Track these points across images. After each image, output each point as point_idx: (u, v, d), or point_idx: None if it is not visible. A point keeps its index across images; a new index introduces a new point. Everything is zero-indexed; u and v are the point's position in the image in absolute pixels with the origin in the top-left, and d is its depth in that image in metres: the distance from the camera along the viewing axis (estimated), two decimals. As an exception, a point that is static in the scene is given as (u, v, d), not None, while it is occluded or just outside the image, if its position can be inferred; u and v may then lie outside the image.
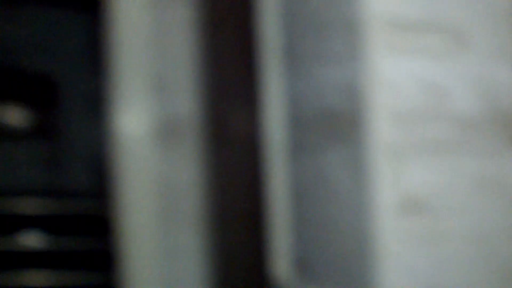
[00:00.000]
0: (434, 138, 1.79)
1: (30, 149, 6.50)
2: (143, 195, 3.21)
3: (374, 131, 1.73)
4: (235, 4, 2.58)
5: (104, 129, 5.85)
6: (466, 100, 1.81)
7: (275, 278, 2.32)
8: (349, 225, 1.85)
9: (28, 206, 4.85)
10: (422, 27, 1.79)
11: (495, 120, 1.84)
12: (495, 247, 1.82)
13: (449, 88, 1.81)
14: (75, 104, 6.69)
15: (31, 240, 4.57)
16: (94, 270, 4.52)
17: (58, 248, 4.56)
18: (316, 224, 2.06)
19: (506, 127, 1.85)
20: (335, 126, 1.89)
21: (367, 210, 1.76)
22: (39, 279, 4.52)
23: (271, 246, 2.38)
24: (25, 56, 6.51)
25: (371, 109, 1.73)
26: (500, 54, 1.85)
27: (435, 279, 1.78)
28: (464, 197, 1.81)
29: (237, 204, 2.67)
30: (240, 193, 2.64)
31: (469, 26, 1.83)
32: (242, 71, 2.56)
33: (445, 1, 1.81)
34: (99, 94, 6.27)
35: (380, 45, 1.73)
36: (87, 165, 6.69)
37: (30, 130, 5.99)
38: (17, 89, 6.00)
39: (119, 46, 3.18)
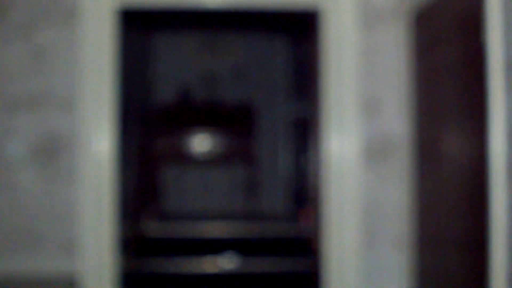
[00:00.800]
0: None
1: (229, 175, 6.82)
2: (349, 214, 3.23)
3: None
4: (453, 22, 2.56)
5: (302, 152, 5.99)
6: None
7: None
8: None
9: (226, 229, 5.03)
10: None
11: None
12: None
13: None
14: (273, 130, 6.94)
15: (228, 262, 4.73)
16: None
17: (256, 270, 4.68)
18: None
19: None
20: None
21: None
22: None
23: (487, 264, 2.28)
24: (227, 86, 6.89)
25: None
26: None
27: None
28: None
29: (449, 223, 2.60)
30: (452, 212, 2.58)
31: None
32: (459, 89, 2.52)
33: None
34: (297, 119, 6.45)
35: None
36: (284, 188, 6.88)
37: (230, 157, 6.29)
38: (218, 117, 6.35)
39: (329, 69, 3.25)
